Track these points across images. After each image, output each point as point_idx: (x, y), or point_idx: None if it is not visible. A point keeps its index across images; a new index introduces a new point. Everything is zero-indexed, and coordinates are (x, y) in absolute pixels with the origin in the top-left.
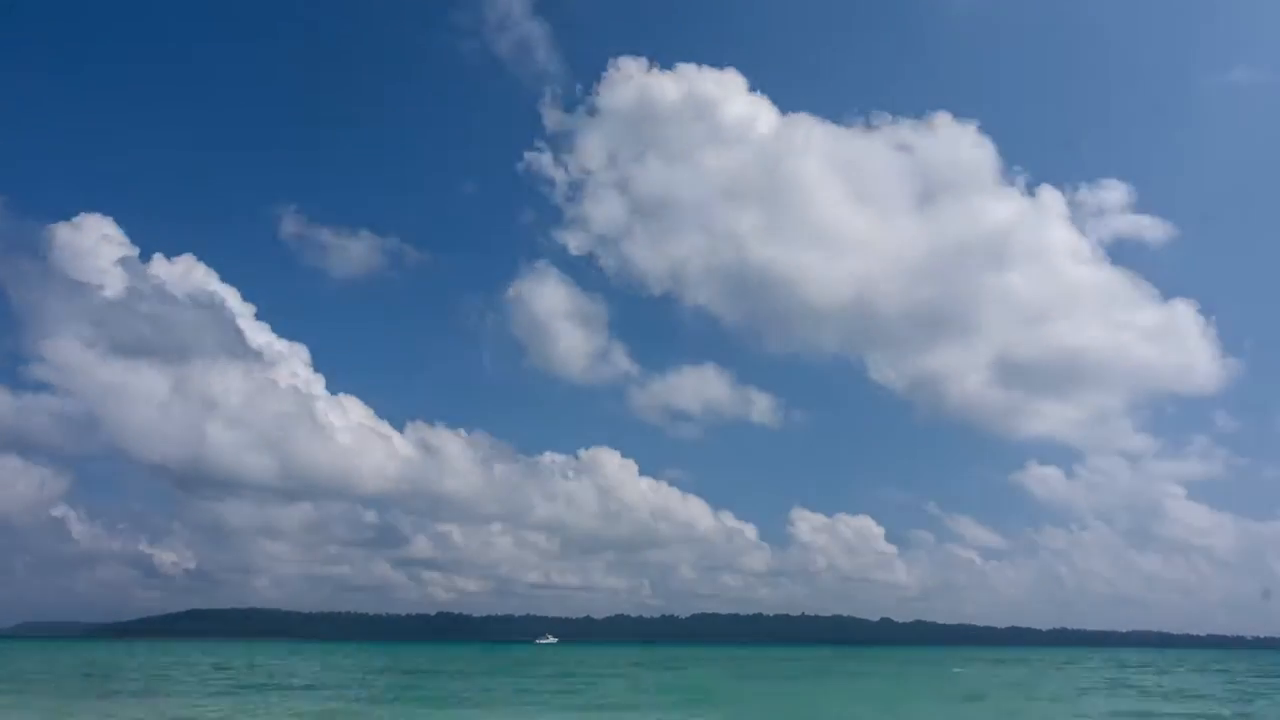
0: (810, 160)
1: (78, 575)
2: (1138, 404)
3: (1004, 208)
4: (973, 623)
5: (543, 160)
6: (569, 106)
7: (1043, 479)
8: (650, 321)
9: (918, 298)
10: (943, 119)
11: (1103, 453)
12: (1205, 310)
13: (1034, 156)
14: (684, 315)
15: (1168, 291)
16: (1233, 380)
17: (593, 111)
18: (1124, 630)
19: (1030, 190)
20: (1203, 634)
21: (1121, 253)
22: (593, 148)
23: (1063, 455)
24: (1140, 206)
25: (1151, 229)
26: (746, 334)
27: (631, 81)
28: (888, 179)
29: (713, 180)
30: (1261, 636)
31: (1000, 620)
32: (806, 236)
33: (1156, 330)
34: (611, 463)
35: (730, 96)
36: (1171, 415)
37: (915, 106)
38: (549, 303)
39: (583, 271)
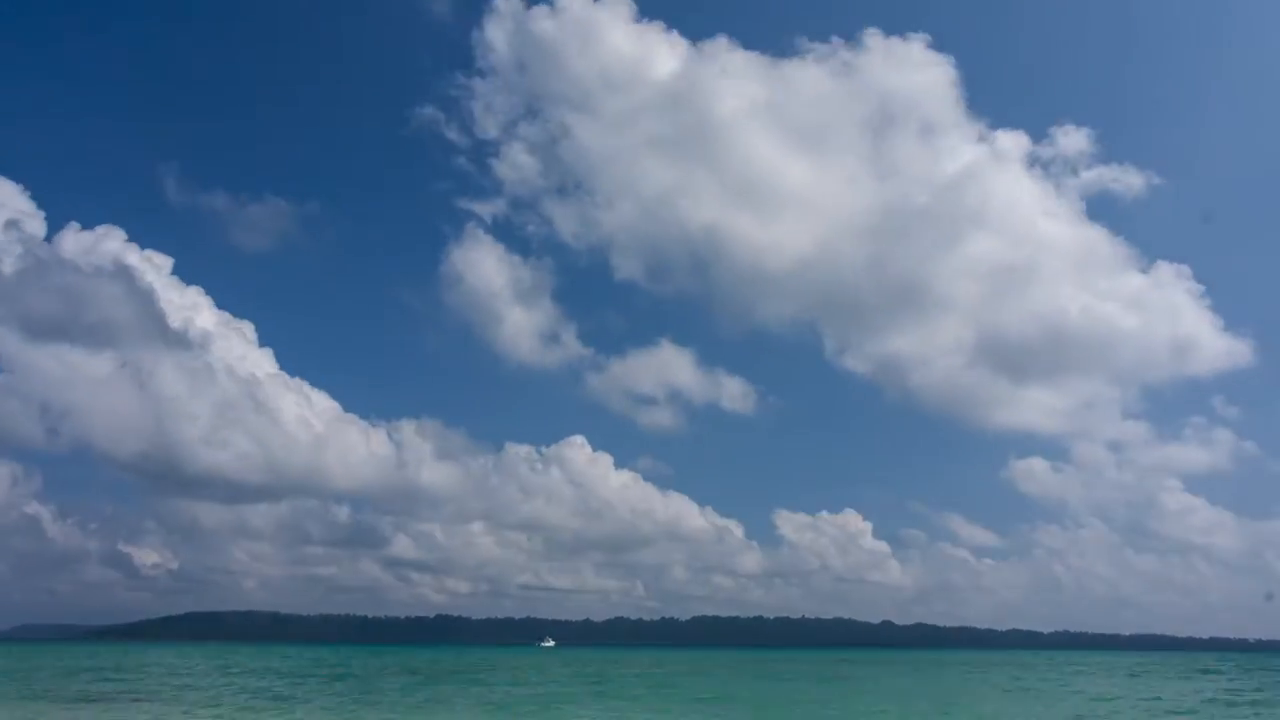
0: (731, 98)
1: (58, 575)
2: (1128, 388)
3: (966, 152)
4: (974, 625)
5: (437, 122)
6: (452, 64)
7: (1030, 472)
8: (591, 296)
9: (877, 266)
10: (874, 37)
11: (1093, 443)
12: (1200, 277)
13: (990, 93)
14: (621, 288)
15: (1151, 253)
16: (1235, 359)
17: (476, 70)
18: (1128, 633)
19: (987, 135)
20: (1205, 636)
21: (1096, 209)
22: (487, 109)
23: (1050, 447)
24: (1111, 153)
25: (1125, 179)
26: (696, 308)
27: (509, 24)
28: (829, 115)
29: (628, 133)
30: (1265, 639)
31: (1001, 623)
32: (742, 192)
33: (1143, 301)
34: (583, 456)
35: (612, 28)
36: (1168, 400)
37: (841, 25)
38: (485, 278)
39: (512, 244)
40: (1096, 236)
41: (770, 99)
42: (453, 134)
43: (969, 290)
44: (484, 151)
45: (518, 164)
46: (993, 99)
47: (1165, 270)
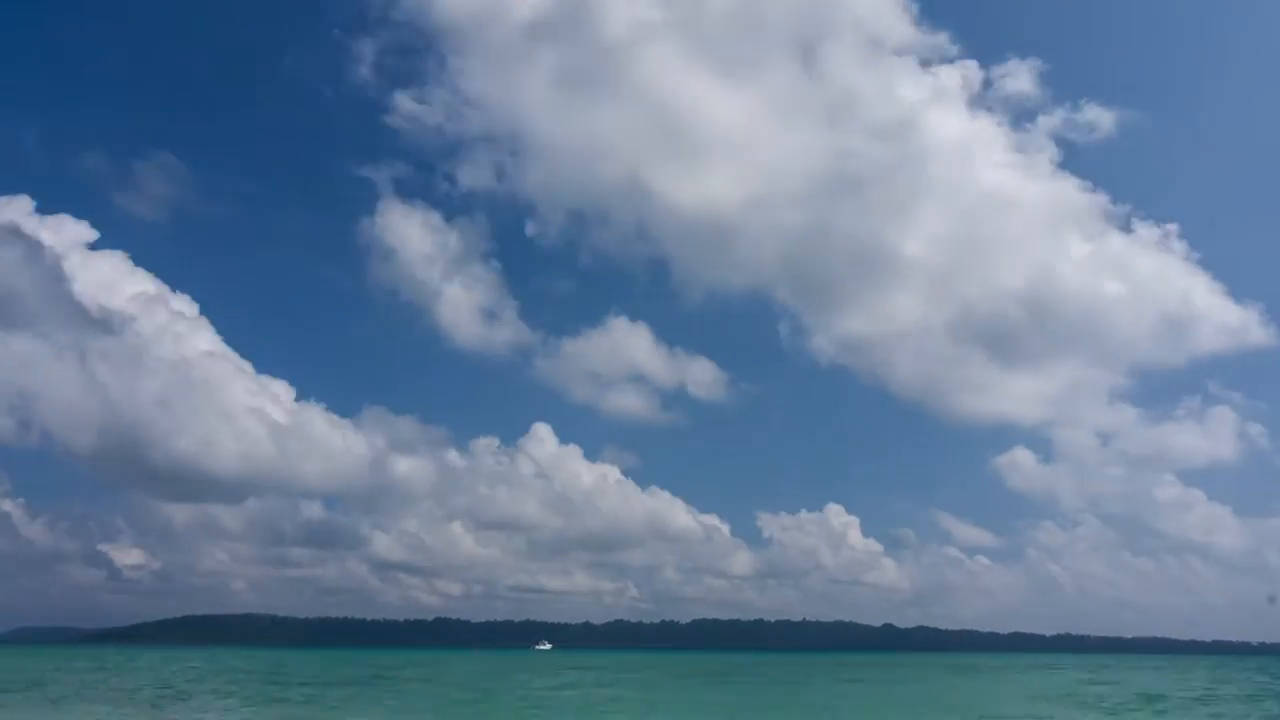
0: (623, 18)
1: (41, 576)
2: (1117, 367)
3: (917, 81)
4: (976, 629)
5: (313, 77)
6: (313, 15)
7: (1016, 464)
8: (523, 266)
9: (824, 230)
10: None
11: (1081, 432)
12: (1189, 235)
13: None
14: (553, 255)
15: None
16: (1239, 332)
17: (337, 22)
18: (1130, 636)
19: (944, 55)
20: (1208, 640)
21: (1067, 156)
22: (362, 61)
23: (1034, 436)
24: (1071, 90)
25: (1091, 120)
26: (636, 277)
27: None
28: (745, 31)
29: (517, 71)
30: (1268, 642)
31: (1003, 626)
32: (660, 135)
33: (1130, 265)
34: (550, 449)
35: None
36: (1163, 384)
37: None
38: (410, 252)
39: (429, 212)
40: (1071, 189)
41: (672, 16)
42: (329, 91)
43: (933, 257)
44: (370, 108)
45: (410, 117)
46: (945, 11)
47: (1151, 230)
